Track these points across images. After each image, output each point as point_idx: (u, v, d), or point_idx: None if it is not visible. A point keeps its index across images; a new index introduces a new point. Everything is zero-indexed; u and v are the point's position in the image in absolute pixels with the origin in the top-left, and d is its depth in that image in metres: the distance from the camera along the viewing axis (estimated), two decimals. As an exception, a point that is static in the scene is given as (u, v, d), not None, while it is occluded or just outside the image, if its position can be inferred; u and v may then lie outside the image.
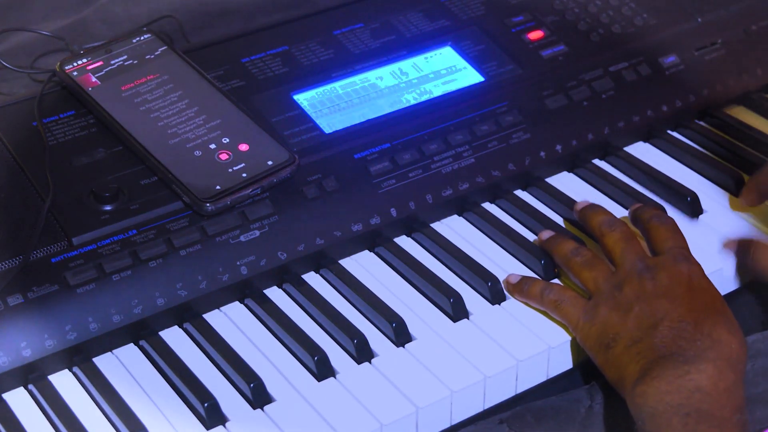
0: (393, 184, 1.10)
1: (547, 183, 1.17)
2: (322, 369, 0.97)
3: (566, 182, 1.18)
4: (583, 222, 1.08)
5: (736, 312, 0.97)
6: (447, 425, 0.97)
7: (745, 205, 1.14)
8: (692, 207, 1.14)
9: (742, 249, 1.07)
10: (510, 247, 1.10)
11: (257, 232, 1.04)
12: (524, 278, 1.04)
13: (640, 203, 1.10)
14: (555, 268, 1.06)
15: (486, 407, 0.98)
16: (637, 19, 1.29)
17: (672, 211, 1.14)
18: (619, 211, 1.14)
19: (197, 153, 1.06)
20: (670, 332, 0.93)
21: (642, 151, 1.23)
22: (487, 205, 1.15)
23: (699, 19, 1.30)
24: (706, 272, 0.99)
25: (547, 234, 1.08)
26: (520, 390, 1.00)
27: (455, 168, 1.12)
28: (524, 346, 0.99)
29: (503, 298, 1.04)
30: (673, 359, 0.90)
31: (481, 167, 1.13)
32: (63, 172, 1.05)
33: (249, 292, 1.04)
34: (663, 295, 0.95)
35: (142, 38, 1.17)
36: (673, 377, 0.89)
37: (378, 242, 1.09)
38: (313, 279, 1.07)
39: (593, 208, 1.08)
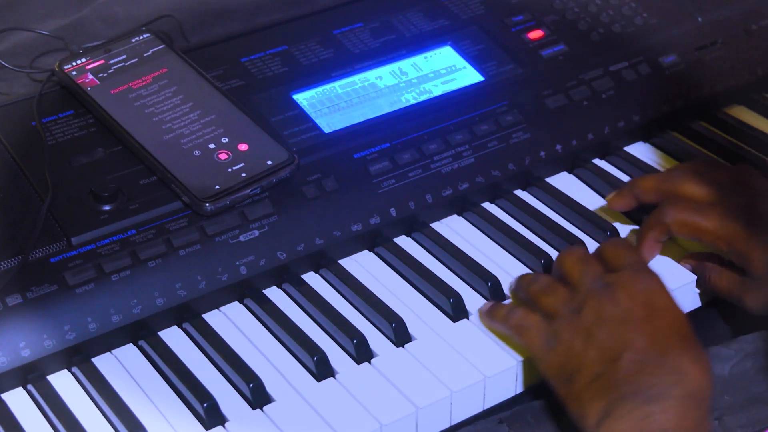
0: (393, 183, 1.10)
1: (547, 183, 1.17)
2: (322, 369, 0.97)
3: (566, 182, 1.18)
4: (554, 268, 1.03)
5: (733, 309, 0.97)
6: (447, 425, 0.97)
7: (613, 209, 1.10)
8: (692, 207, 1.14)
9: (699, 272, 1.05)
10: (510, 247, 1.09)
11: (256, 232, 1.03)
12: (494, 304, 1.01)
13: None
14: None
15: (486, 407, 0.98)
16: (637, 18, 1.28)
17: (672, 211, 1.14)
18: (619, 212, 1.14)
19: (196, 153, 1.05)
20: (632, 366, 0.88)
21: (642, 150, 1.23)
22: (487, 205, 1.15)
23: (699, 19, 1.30)
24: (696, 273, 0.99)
25: (515, 279, 1.04)
26: (520, 390, 1.00)
27: (455, 168, 1.12)
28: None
29: (504, 298, 1.04)
30: (636, 398, 0.86)
31: (480, 167, 1.13)
32: (62, 172, 1.05)
33: (248, 292, 1.04)
34: (624, 321, 0.91)
35: (141, 38, 1.16)
36: (637, 419, 0.85)
37: (378, 242, 1.09)
38: (312, 279, 1.07)
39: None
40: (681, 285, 1.05)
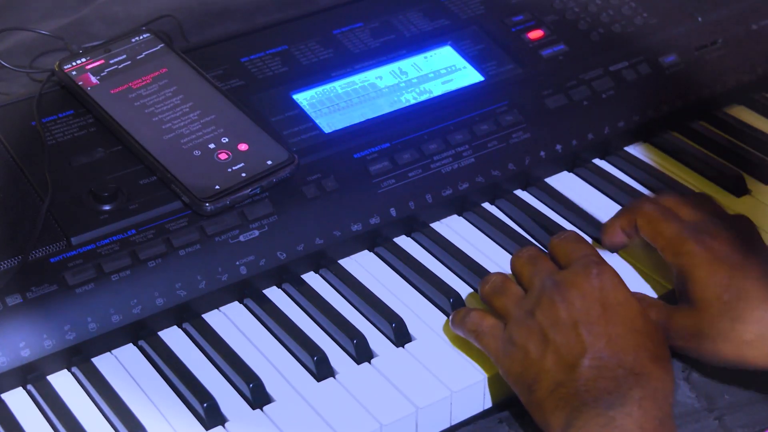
0: (393, 183, 1.10)
1: (546, 183, 1.17)
2: (322, 369, 0.97)
3: (566, 182, 1.18)
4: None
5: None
6: (447, 425, 0.97)
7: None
8: (692, 207, 1.14)
9: (627, 222, 1.01)
10: (510, 248, 1.09)
11: (256, 232, 1.03)
12: (457, 310, 0.99)
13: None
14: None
15: (486, 407, 0.98)
16: (637, 18, 1.28)
17: (672, 211, 1.14)
18: (620, 211, 1.14)
19: (196, 153, 1.05)
20: (591, 372, 0.87)
21: (642, 150, 1.22)
22: (487, 205, 1.15)
23: (699, 19, 1.30)
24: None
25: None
26: (520, 390, 1.00)
27: (455, 168, 1.12)
28: (524, 346, 0.99)
29: (503, 298, 1.04)
30: (596, 405, 0.86)
31: (480, 167, 1.13)
32: (62, 172, 1.04)
33: (248, 292, 1.04)
34: (578, 323, 0.90)
35: (141, 38, 1.16)
36: (598, 427, 0.85)
37: (378, 242, 1.09)
38: (312, 279, 1.06)
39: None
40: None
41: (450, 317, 1.00)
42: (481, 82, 1.20)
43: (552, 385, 0.89)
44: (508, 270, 1.06)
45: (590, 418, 0.86)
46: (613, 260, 1.06)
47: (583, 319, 0.90)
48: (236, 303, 1.04)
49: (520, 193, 1.16)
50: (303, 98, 1.15)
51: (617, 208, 1.14)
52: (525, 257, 0.98)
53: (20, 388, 0.96)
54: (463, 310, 0.99)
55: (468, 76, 1.20)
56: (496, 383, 0.97)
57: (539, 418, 0.90)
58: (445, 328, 1.01)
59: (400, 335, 1.00)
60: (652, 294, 1.04)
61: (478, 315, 0.96)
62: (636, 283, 1.05)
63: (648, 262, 1.05)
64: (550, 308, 0.91)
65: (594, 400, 0.86)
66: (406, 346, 0.99)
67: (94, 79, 1.11)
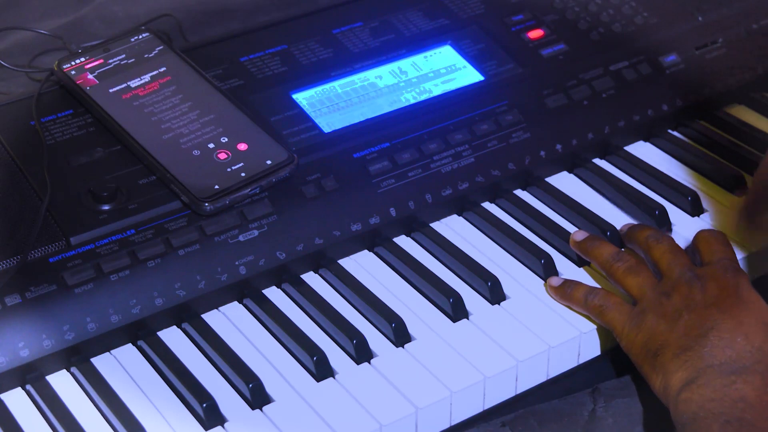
0: (392, 183, 1.10)
1: (547, 182, 1.17)
2: (321, 369, 0.96)
3: (566, 182, 1.18)
4: (628, 240, 1.07)
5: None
6: (447, 425, 0.97)
7: (747, 230, 1.10)
8: (693, 206, 1.14)
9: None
10: (510, 247, 1.09)
11: (256, 232, 1.03)
12: (566, 281, 1.04)
13: (636, 225, 1.08)
14: (554, 267, 1.06)
15: (486, 408, 0.98)
16: (637, 17, 1.28)
17: (673, 210, 1.14)
18: (619, 211, 1.14)
19: (196, 152, 1.05)
20: (719, 342, 0.92)
21: (642, 150, 1.22)
22: (487, 205, 1.14)
23: (699, 18, 1.30)
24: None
25: (581, 235, 1.07)
26: (520, 390, 0.99)
27: (455, 167, 1.12)
28: (524, 346, 0.99)
29: (503, 298, 1.04)
30: (721, 369, 0.90)
31: (480, 167, 1.13)
32: (61, 172, 1.04)
33: (248, 292, 1.03)
34: (712, 305, 0.95)
35: (140, 37, 1.16)
36: (719, 386, 0.89)
37: (377, 242, 1.09)
38: (312, 279, 1.06)
39: (640, 225, 1.07)
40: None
41: (556, 287, 1.03)
42: (480, 82, 1.19)
43: (678, 350, 0.93)
44: (508, 270, 1.07)
45: (712, 377, 0.90)
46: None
47: (716, 303, 0.95)
48: (236, 303, 1.04)
49: (520, 193, 1.16)
50: (302, 98, 1.15)
51: (617, 207, 1.14)
52: (667, 245, 1.02)
53: (19, 389, 0.96)
54: (580, 285, 1.03)
55: (468, 75, 1.20)
56: (495, 383, 0.97)
57: (659, 382, 0.93)
58: (445, 329, 1.01)
59: (399, 335, 1.00)
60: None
61: (605, 293, 1.01)
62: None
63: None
64: (687, 293, 0.96)
65: (719, 364, 0.91)
66: (406, 346, 0.99)
67: (93, 79, 1.11)
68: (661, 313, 0.96)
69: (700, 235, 1.04)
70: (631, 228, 1.07)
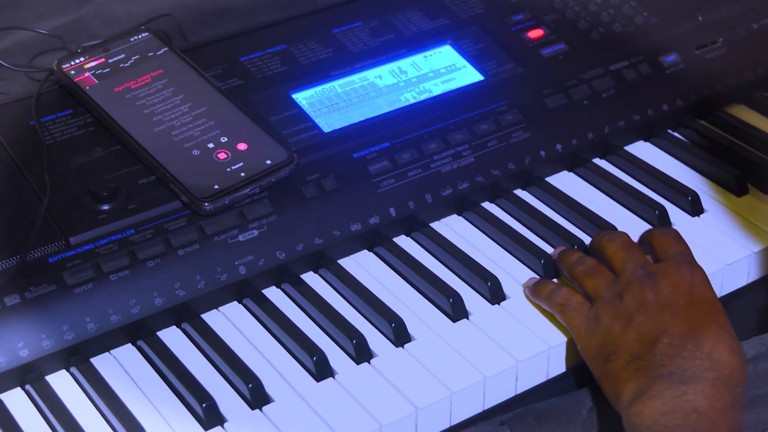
0: (392, 183, 1.10)
1: (547, 182, 1.17)
2: (321, 369, 0.96)
3: (566, 181, 1.18)
4: (591, 247, 1.06)
5: (729, 315, 0.97)
6: (446, 426, 0.96)
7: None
8: (693, 206, 1.14)
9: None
10: (510, 247, 1.09)
11: (256, 232, 1.03)
12: (540, 280, 1.04)
13: (605, 231, 1.06)
14: (554, 267, 1.06)
15: (486, 408, 0.98)
16: (637, 17, 1.28)
17: (673, 210, 1.14)
18: (619, 211, 1.14)
19: (195, 152, 1.05)
20: (669, 349, 0.91)
21: (642, 150, 1.22)
22: (487, 205, 1.14)
23: (700, 18, 1.30)
24: (708, 272, 0.99)
25: (558, 250, 1.07)
26: (520, 390, 0.99)
27: (455, 167, 1.12)
28: (524, 346, 0.99)
29: (503, 298, 1.04)
30: (671, 378, 0.89)
31: (480, 166, 1.13)
32: (60, 172, 1.04)
33: (247, 292, 1.03)
34: (664, 307, 0.94)
35: (140, 37, 1.16)
36: (670, 397, 0.88)
37: (377, 242, 1.09)
38: (311, 279, 1.06)
39: (599, 234, 1.06)
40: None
41: (530, 286, 1.03)
42: (480, 82, 1.19)
43: (629, 357, 0.92)
44: (508, 270, 1.06)
45: (663, 389, 0.89)
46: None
47: (668, 305, 0.94)
48: (235, 303, 1.04)
49: (520, 193, 1.16)
50: (302, 97, 1.15)
51: (617, 207, 1.14)
52: (619, 243, 1.02)
53: (18, 389, 0.96)
54: (549, 283, 1.02)
55: (468, 75, 1.20)
56: (495, 383, 0.97)
57: (611, 389, 0.93)
58: (445, 329, 1.01)
59: (399, 335, 1.00)
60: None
61: (568, 291, 1.01)
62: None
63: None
64: (639, 293, 0.96)
65: (669, 374, 0.90)
66: (406, 346, 0.99)
67: (92, 79, 1.11)
68: (614, 314, 0.95)
69: (653, 233, 1.03)
70: (593, 239, 1.06)
